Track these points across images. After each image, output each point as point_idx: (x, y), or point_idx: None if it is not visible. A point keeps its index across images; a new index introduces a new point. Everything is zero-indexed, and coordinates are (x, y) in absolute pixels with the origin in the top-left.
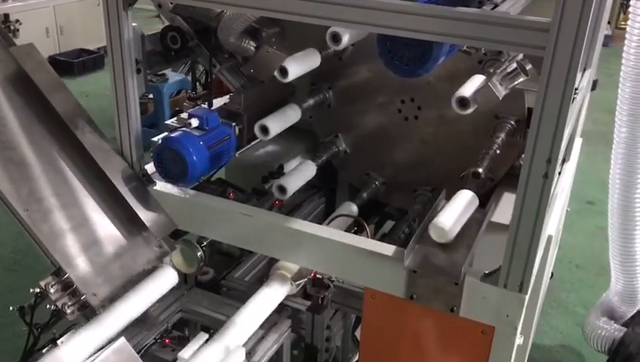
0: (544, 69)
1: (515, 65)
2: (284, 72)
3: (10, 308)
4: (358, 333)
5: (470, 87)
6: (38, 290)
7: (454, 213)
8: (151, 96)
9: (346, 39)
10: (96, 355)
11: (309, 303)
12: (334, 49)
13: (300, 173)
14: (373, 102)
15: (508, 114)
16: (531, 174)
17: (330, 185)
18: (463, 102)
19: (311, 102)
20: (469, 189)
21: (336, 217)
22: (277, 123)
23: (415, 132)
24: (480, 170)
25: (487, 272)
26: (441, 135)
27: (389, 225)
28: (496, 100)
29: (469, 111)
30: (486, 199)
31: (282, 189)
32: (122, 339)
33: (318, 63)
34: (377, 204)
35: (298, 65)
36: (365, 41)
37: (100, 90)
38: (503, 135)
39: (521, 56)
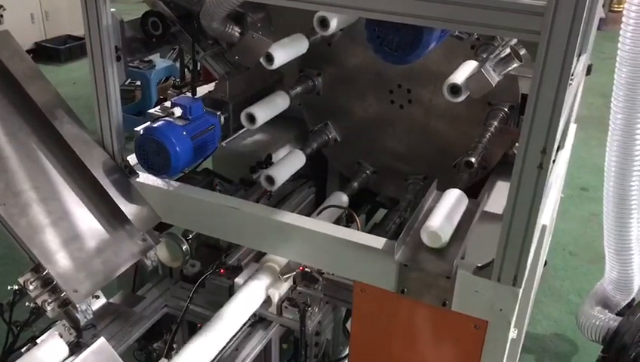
0: (539, 54)
1: (508, 50)
2: (269, 58)
3: None
4: (349, 325)
5: (462, 73)
6: (16, 287)
7: (446, 215)
8: (138, 83)
9: (334, 24)
10: (75, 356)
11: None
12: (322, 34)
13: (289, 163)
14: (364, 89)
15: (501, 101)
16: (525, 165)
17: (320, 174)
18: (455, 90)
19: (299, 89)
20: (462, 178)
21: (326, 208)
22: (264, 111)
23: (406, 119)
24: (472, 160)
25: (479, 265)
26: (432, 122)
27: (380, 213)
28: (490, 87)
29: (461, 98)
30: (479, 187)
31: (271, 180)
32: (102, 339)
33: (306, 49)
34: (368, 193)
35: (284, 52)
36: (355, 26)
37: (87, 77)
38: (495, 122)
39: (515, 40)
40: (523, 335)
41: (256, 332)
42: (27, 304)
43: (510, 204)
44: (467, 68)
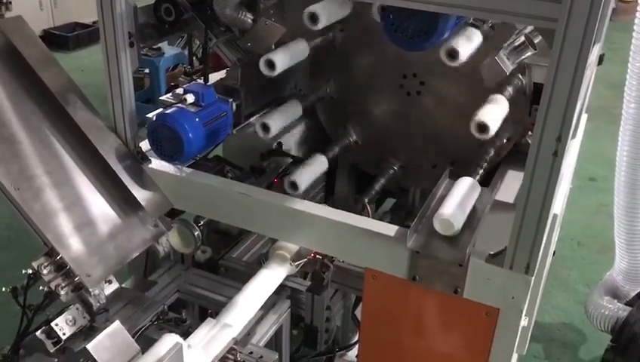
0: (556, 42)
1: (523, 38)
2: (270, 64)
3: (3, 289)
4: (358, 313)
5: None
6: (30, 271)
7: (459, 203)
8: (147, 70)
9: (324, 19)
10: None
11: (308, 283)
12: (313, 28)
13: (311, 168)
14: (375, 84)
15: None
16: (540, 152)
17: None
18: (453, 54)
19: (312, 97)
20: (488, 156)
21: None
22: (279, 121)
23: (422, 107)
24: (485, 121)
25: (492, 253)
26: (448, 106)
27: (389, 202)
28: (503, 75)
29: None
30: (490, 177)
31: (294, 185)
32: (117, 322)
33: (307, 54)
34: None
35: (285, 57)
36: (355, 25)
37: (95, 64)
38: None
39: (529, 29)
40: (532, 324)
41: (268, 317)
42: (41, 288)
43: (524, 192)
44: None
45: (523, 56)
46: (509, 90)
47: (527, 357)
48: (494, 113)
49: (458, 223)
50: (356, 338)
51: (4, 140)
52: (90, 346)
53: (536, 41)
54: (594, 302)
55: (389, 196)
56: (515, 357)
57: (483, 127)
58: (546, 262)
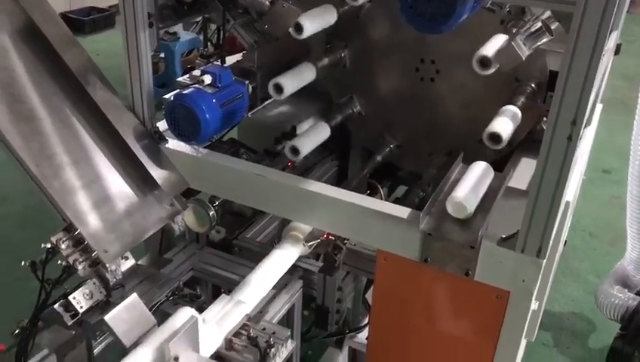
0: (573, 25)
1: (539, 24)
2: (299, 28)
3: (22, 263)
4: (368, 296)
5: (492, 46)
6: (49, 246)
7: (472, 187)
8: (162, 55)
9: None
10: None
11: (320, 265)
12: (352, 4)
13: (313, 135)
14: (390, 63)
15: (529, 76)
16: (555, 136)
17: (342, 148)
18: (484, 62)
19: (326, 61)
20: (487, 154)
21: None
22: (292, 82)
23: (432, 94)
24: (498, 131)
25: (504, 237)
26: (458, 97)
27: (401, 190)
28: (519, 60)
29: (491, 71)
30: (503, 164)
31: (295, 150)
32: (134, 295)
33: (334, 20)
34: (390, 169)
35: (314, 22)
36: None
37: (111, 48)
38: (522, 98)
39: (547, 14)
40: (542, 310)
41: (280, 297)
42: (59, 262)
43: (538, 175)
44: (497, 41)
45: (539, 42)
46: (522, 100)
47: (536, 344)
48: (506, 125)
49: (471, 206)
50: (366, 320)
51: (25, 118)
52: (107, 317)
53: (552, 27)
54: (604, 291)
55: (402, 183)
56: (524, 342)
57: (496, 138)
58: (557, 249)
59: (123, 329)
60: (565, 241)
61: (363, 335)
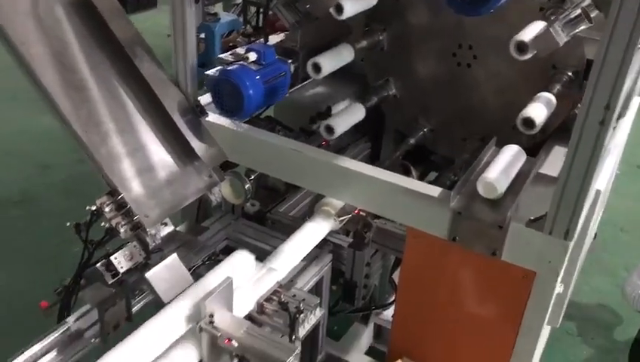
0: (613, 7)
1: (578, 11)
2: (339, 8)
3: (67, 224)
4: (395, 277)
5: (530, 31)
6: (93, 208)
7: (503, 169)
8: (202, 35)
9: None
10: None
11: (350, 240)
12: None
13: (348, 115)
14: (427, 47)
15: (565, 64)
16: (587, 120)
17: (376, 131)
18: (522, 47)
19: (364, 43)
20: (521, 140)
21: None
22: (330, 61)
23: (468, 79)
24: (532, 117)
25: (532, 218)
26: (494, 83)
27: (431, 177)
28: (556, 46)
29: (527, 57)
30: (536, 151)
31: (330, 129)
32: (174, 256)
33: (374, 3)
34: (423, 152)
35: (354, 3)
36: None
37: (153, 28)
38: (558, 86)
39: (586, 2)
40: (567, 298)
41: (310, 269)
42: (102, 224)
43: (569, 158)
44: (535, 27)
45: (577, 29)
46: (558, 87)
47: (561, 332)
48: (540, 111)
49: (501, 187)
50: (392, 299)
51: (75, 87)
52: (148, 275)
53: (592, 15)
54: (632, 283)
55: (434, 168)
56: (547, 328)
57: (529, 123)
58: (586, 235)
59: (162, 287)
60: (595, 234)
61: (389, 313)
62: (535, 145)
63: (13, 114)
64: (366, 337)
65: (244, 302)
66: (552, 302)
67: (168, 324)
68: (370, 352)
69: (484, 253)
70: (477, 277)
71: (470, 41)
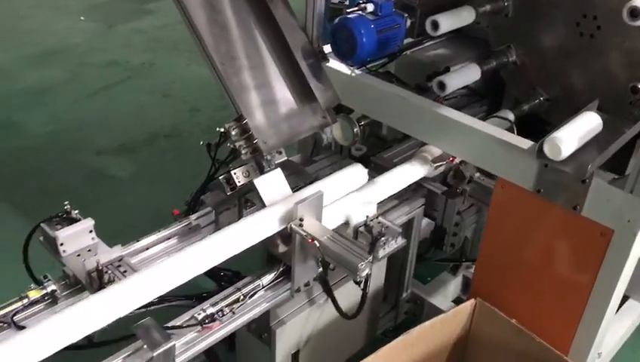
0: None
1: None
2: None
3: (201, 143)
4: None
5: None
6: (222, 130)
7: (574, 131)
8: (347, 2)
9: None
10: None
11: (445, 189)
12: None
13: (462, 74)
14: (552, 16)
15: None
16: None
17: (495, 96)
18: (635, 13)
19: (488, 7)
20: (635, 115)
21: (492, 117)
22: (448, 20)
23: (590, 50)
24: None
25: (615, 177)
26: (617, 56)
27: None
28: None
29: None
30: None
31: (442, 85)
32: (278, 169)
33: None
34: (534, 121)
35: None
36: None
37: None
38: None
39: None
40: None
41: (401, 207)
42: (228, 145)
43: None
44: None
45: None
46: None
47: None
48: None
49: (566, 150)
50: None
51: (218, 25)
52: (256, 180)
53: None
54: None
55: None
56: (620, 293)
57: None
58: None
59: (265, 191)
60: None
61: None
62: None
63: (174, 62)
64: (453, 286)
65: (334, 217)
66: (629, 262)
67: (265, 221)
68: (456, 302)
69: (565, 207)
70: (557, 231)
71: (596, 12)
